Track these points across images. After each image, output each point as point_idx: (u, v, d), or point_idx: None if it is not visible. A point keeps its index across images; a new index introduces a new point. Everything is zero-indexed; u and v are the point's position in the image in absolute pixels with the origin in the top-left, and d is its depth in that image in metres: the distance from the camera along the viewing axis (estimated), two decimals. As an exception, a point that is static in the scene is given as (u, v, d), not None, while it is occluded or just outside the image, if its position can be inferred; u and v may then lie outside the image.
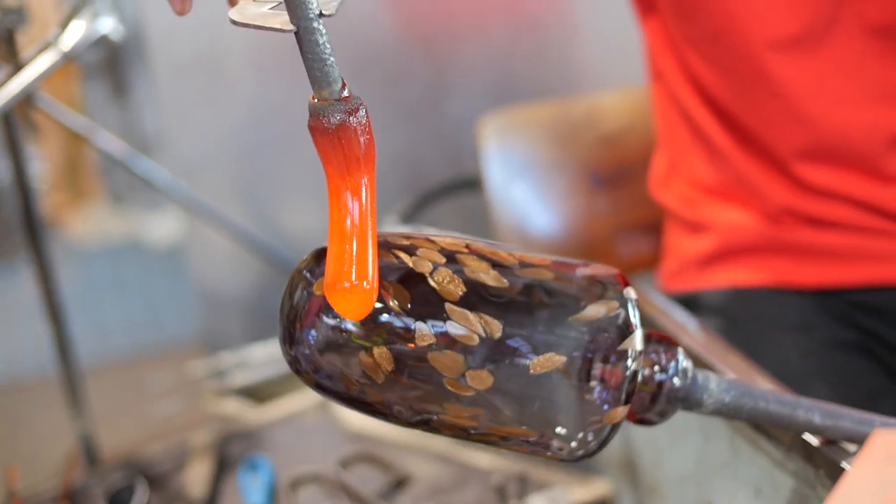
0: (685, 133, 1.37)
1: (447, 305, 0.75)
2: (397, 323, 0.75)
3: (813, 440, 0.87)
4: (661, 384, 0.81)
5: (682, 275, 1.39)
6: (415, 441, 1.39)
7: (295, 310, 0.78)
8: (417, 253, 0.77)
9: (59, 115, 1.49)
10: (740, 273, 1.33)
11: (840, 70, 1.20)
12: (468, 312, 0.75)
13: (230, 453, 1.46)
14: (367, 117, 0.74)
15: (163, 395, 1.95)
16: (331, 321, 0.76)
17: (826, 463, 0.85)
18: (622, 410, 0.77)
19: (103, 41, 1.32)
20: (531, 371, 0.75)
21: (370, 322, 0.76)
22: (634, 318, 0.77)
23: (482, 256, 0.78)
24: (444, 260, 0.77)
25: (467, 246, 0.79)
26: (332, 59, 0.72)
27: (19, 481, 1.33)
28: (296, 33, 0.71)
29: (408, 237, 0.80)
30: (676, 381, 0.81)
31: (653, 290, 1.44)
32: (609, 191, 1.66)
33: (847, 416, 0.83)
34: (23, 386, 3.24)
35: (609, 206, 1.66)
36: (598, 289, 0.78)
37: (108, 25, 1.32)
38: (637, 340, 0.77)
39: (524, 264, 0.78)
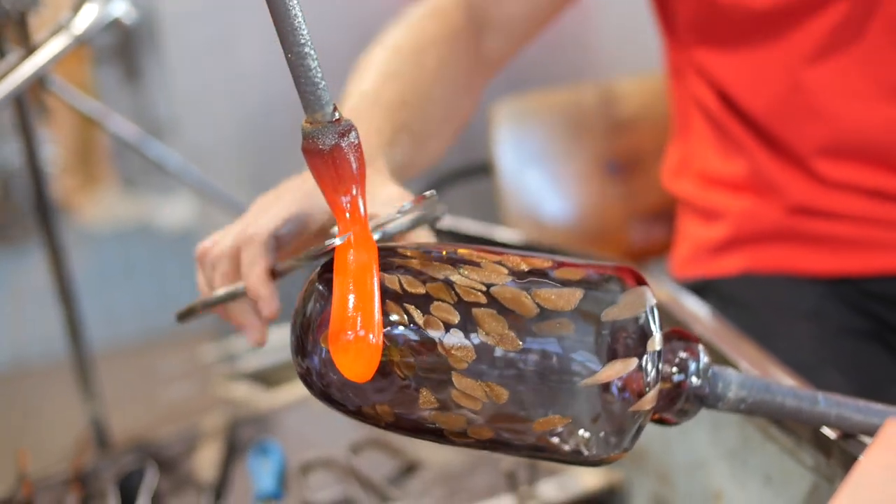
0: (702, 128, 1.36)
1: (453, 374, 0.74)
2: (402, 383, 0.75)
3: (829, 432, 0.86)
4: (680, 384, 0.80)
5: (695, 261, 1.38)
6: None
7: (308, 321, 0.77)
8: (431, 310, 0.74)
9: (72, 98, 1.49)
10: (753, 260, 1.32)
11: (863, 66, 1.19)
12: (474, 382, 0.74)
13: (240, 437, 1.46)
14: (359, 138, 0.75)
15: (173, 380, 1.96)
16: None
17: (838, 452, 0.85)
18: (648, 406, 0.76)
19: (116, 25, 1.32)
20: (533, 429, 0.75)
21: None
22: (654, 321, 0.75)
23: (501, 309, 0.74)
24: (457, 319, 0.74)
25: (488, 291, 0.75)
26: (323, 82, 0.73)
27: (30, 464, 1.33)
28: (287, 59, 0.72)
29: (423, 268, 0.77)
30: (696, 380, 0.80)
31: (665, 277, 1.43)
32: (622, 177, 1.65)
33: (865, 409, 0.82)
34: (32, 370, 3.25)
35: (622, 192, 1.65)
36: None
37: (120, 9, 1.32)
38: (656, 342, 0.75)
39: (544, 313, 0.74)
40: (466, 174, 1.80)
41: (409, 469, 1.32)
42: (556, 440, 0.75)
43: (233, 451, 1.43)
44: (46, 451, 1.65)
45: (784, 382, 0.92)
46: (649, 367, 0.74)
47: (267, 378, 1.62)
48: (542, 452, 0.76)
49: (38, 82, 1.39)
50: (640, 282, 0.77)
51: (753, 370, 0.96)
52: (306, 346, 0.77)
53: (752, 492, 1.01)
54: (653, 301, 0.76)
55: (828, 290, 1.28)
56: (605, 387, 0.73)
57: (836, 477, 0.86)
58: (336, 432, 1.41)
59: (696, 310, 1.08)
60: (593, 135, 1.66)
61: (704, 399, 0.81)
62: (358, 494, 1.27)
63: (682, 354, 0.80)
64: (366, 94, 1.05)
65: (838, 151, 1.23)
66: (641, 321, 0.74)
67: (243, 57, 2.12)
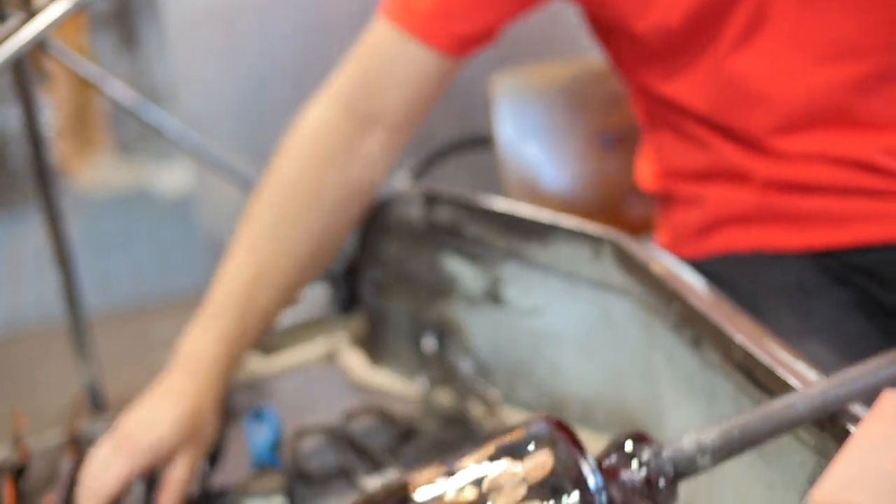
0: (662, 133, 1.39)
1: None
2: None
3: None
4: (644, 484, 0.81)
5: (677, 246, 1.39)
6: (421, 395, 1.40)
7: None
8: None
9: (71, 62, 1.49)
10: (733, 240, 1.34)
11: (784, 41, 1.22)
12: None
13: (236, 403, 1.47)
14: None
15: (169, 345, 1.96)
16: None
17: (832, 426, 0.86)
18: None
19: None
20: None
21: None
22: (584, 461, 0.79)
23: None
24: None
25: None
26: None
27: (25, 427, 1.34)
28: None
29: None
30: (654, 476, 0.81)
31: (663, 251, 1.44)
32: (620, 151, 1.66)
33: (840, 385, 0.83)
34: (28, 334, 3.25)
35: (620, 166, 1.66)
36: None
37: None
38: (587, 469, 0.79)
39: None
40: (465, 146, 1.81)
41: (404, 437, 1.33)
42: None
43: (228, 416, 1.43)
44: (41, 415, 1.66)
45: (779, 357, 0.93)
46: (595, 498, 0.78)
47: (263, 344, 1.63)
48: None
49: (38, 47, 1.39)
50: (561, 428, 0.82)
51: (749, 344, 0.96)
52: None
53: (744, 464, 1.01)
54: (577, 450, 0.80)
55: (809, 263, 1.29)
56: None
57: (829, 450, 0.87)
58: (331, 399, 1.42)
59: (693, 283, 1.08)
60: (592, 108, 1.66)
61: (677, 481, 0.82)
62: (352, 461, 1.28)
63: (637, 459, 0.82)
64: (227, 291, 1.26)
65: (791, 127, 1.25)
66: (571, 468, 0.79)
67: (242, 23, 2.12)
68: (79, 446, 1.37)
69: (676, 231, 1.40)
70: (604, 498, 0.78)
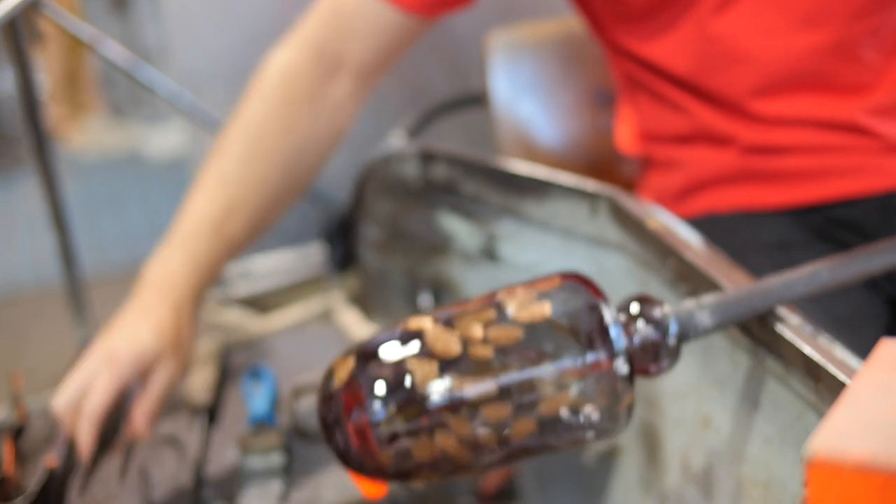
0: (640, 98, 1.39)
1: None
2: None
3: (820, 358, 0.87)
4: (654, 342, 0.85)
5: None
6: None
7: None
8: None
9: (65, 22, 1.48)
10: (714, 202, 1.34)
11: (767, 4, 1.23)
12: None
13: (233, 362, 1.47)
14: None
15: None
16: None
17: (827, 378, 0.86)
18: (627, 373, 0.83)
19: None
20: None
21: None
22: (605, 306, 0.83)
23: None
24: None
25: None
26: None
27: (23, 388, 1.34)
28: None
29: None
30: (664, 333, 0.86)
31: (658, 207, 1.44)
32: (614, 108, 1.66)
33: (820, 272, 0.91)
34: (23, 297, 3.25)
35: (614, 123, 1.65)
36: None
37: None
38: (607, 313, 0.82)
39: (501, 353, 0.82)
40: (460, 105, 1.80)
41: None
42: (567, 441, 0.83)
43: (225, 376, 1.44)
44: (38, 376, 1.66)
45: (773, 310, 0.94)
46: (616, 342, 0.82)
47: (259, 303, 1.63)
48: (563, 442, 0.84)
49: (32, 6, 1.38)
50: (584, 281, 0.85)
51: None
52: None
53: (740, 418, 1.02)
54: (597, 297, 0.84)
55: (791, 220, 1.30)
56: (582, 372, 0.81)
57: (824, 403, 0.87)
58: (328, 357, 1.42)
59: (689, 238, 1.08)
60: (587, 66, 1.66)
61: (679, 344, 0.87)
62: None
63: (646, 316, 0.86)
64: (197, 219, 1.25)
65: (769, 89, 1.26)
66: (595, 308, 0.83)
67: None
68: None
69: (657, 193, 1.41)
70: (622, 344, 0.82)
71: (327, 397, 0.84)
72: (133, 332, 1.15)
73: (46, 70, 4.33)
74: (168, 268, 1.21)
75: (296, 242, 1.84)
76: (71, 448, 1.23)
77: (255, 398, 1.34)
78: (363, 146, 1.54)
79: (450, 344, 0.82)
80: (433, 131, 1.77)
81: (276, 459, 1.24)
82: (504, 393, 0.80)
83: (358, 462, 0.83)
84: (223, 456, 1.28)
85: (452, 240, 1.35)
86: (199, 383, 1.39)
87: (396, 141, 1.51)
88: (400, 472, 0.83)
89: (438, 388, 0.80)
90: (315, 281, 1.63)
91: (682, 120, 1.34)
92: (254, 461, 1.23)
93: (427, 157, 1.33)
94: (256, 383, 1.38)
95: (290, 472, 1.24)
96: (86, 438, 1.11)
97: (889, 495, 0.46)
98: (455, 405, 0.80)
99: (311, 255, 1.78)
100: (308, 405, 1.35)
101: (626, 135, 1.47)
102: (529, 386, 0.80)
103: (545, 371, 0.80)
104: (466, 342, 0.82)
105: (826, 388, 0.86)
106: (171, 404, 1.39)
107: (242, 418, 1.34)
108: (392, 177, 1.38)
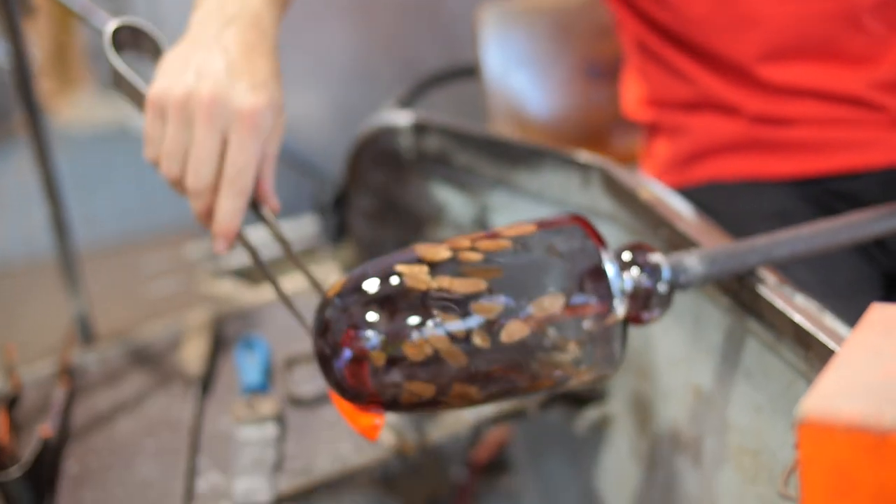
0: (646, 64, 1.39)
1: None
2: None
3: (810, 326, 0.88)
4: (646, 289, 0.86)
5: (661, 175, 1.40)
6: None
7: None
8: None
9: (57, -7, 1.48)
10: (717, 170, 1.35)
11: None
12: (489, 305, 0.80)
13: (226, 332, 1.48)
14: None
15: (158, 277, 1.97)
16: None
17: (817, 346, 0.87)
18: (622, 317, 0.83)
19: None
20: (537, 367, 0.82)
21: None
22: (604, 250, 0.84)
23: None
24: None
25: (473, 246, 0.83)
26: None
27: (16, 359, 1.34)
28: None
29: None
30: (656, 280, 0.86)
31: (650, 179, 1.45)
32: (606, 81, 1.66)
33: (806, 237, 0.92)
34: (14, 270, 3.24)
35: (605, 96, 1.66)
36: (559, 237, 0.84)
37: None
38: (605, 259, 0.83)
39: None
40: (451, 76, 1.80)
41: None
42: (558, 372, 0.83)
43: (219, 346, 1.45)
44: (29, 349, 1.66)
45: (765, 279, 0.94)
46: (612, 284, 0.82)
47: (251, 276, 1.64)
48: (550, 384, 0.84)
49: (24, -24, 1.38)
50: (585, 225, 0.86)
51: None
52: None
53: (730, 386, 1.02)
54: (595, 240, 0.84)
55: (792, 191, 1.30)
56: (574, 310, 0.81)
57: (814, 371, 0.88)
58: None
59: (680, 209, 1.09)
60: (579, 38, 1.66)
61: (671, 293, 0.88)
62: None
63: (640, 262, 0.87)
64: None
65: (779, 55, 1.26)
66: (592, 250, 0.83)
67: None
68: (71, 377, 1.38)
69: (661, 160, 1.41)
70: (619, 286, 0.83)
71: (322, 307, 0.84)
72: (254, 78, 0.91)
73: (36, 44, 4.32)
74: (248, 5, 0.95)
75: (289, 215, 1.84)
76: (66, 417, 1.24)
77: (248, 368, 1.35)
78: (355, 119, 1.53)
79: (439, 251, 0.82)
80: (425, 104, 1.77)
81: (269, 429, 1.24)
82: (493, 289, 0.80)
83: (351, 375, 0.82)
84: (217, 426, 1.28)
85: (445, 211, 1.36)
86: (193, 354, 1.39)
87: (389, 114, 1.52)
88: (392, 384, 0.82)
89: (428, 286, 0.80)
90: (309, 252, 1.63)
91: (690, 87, 1.34)
92: (248, 430, 1.24)
93: (420, 129, 1.33)
94: (250, 353, 1.38)
95: (284, 441, 1.25)
96: (236, 218, 0.89)
97: (880, 455, 0.47)
98: (445, 304, 0.80)
99: (304, 227, 1.78)
100: (301, 374, 1.36)
101: (632, 101, 1.46)
102: (519, 284, 0.81)
103: (535, 267, 0.82)
104: (455, 250, 0.82)
105: (816, 355, 0.87)
106: (165, 375, 1.39)
107: (236, 388, 1.34)
108: (385, 148, 1.38)
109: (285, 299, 0.93)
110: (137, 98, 0.93)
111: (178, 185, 0.91)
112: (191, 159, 0.88)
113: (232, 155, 0.88)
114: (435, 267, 0.81)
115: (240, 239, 0.92)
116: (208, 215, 0.91)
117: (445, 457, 1.87)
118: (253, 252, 0.94)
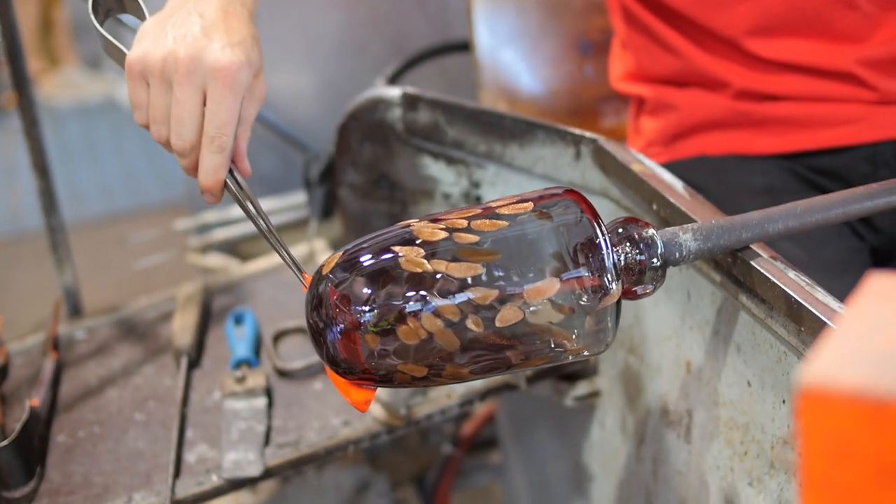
0: (635, 38, 1.39)
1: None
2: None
3: (803, 300, 0.88)
4: (639, 262, 0.86)
5: (648, 149, 1.40)
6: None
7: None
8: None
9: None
10: (705, 145, 1.35)
11: None
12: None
13: (215, 306, 1.47)
14: None
15: (146, 252, 1.96)
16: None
17: (809, 320, 0.87)
18: (616, 292, 0.84)
19: None
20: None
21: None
22: (597, 224, 0.84)
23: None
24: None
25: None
26: None
27: (3, 332, 1.34)
28: None
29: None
30: (650, 255, 0.87)
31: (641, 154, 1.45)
32: (596, 58, 1.66)
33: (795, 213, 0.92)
34: (0, 244, 3.24)
35: (596, 73, 1.66)
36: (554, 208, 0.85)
37: None
38: (599, 233, 0.83)
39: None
40: (441, 52, 1.80)
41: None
42: (551, 351, 0.84)
43: (208, 319, 1.44)
44: (16, 323, 1.66)
45: (756, 253, 0.94)
46: (605, 260, 0.83)
47: (239, 251, 1.63)
48: (543, 362, 0.85)
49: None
50: (580, 199, 0.86)
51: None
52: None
53: (721, 361, 1.03)
54: (590, 214, 0.85)
55: (779, 166, 1.31)
56: (571, 284, 0.82)
57: (806, 346, 0.88)
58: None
59: (673, 183, 1.09)
60: (570, 14, 1.66)
61: (664, 267, 0.88)
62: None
63: (634, 237, 0.87)
64: None
65: (769, 29, 1.26)
66: (586, 224, 0.84)
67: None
68: (59, 350, 1.38)
69: (648, 134, 1.41)
70: (612, 259, 0.83)
71: (316, 281, 0.84)
72: (230, 38, 0.94)
73: (20, 22, 4.30)
74: None
75: (278, 190, 1.84)
76: (54, 389, 1.23)
77: (237, 341, 1.34)
78: (344, 95, 1.53)
79: (435, 231, 0.82)
80: (414, 79, 1.76)
81: (259, 401, 1.24)
82: (489, 273, 0.80)
83: (344, 349, 0.82)
84: (206, 399, 1.28)
85: (436, 185, 1.36)
86: (182, 327, 1.39)
87: (379, 88, 1.51)
88: (385, 364, 0.82)
89: (424, 270, 0.80)
90: (298, 226, 1.63)
91: (678, 62, 1.34)
92: (237, 403, 1.24)
93: (411, 103, 1.33)
94: (239, 327, 1.38)
95: (273, 415, 1.25)
96: (219, 173, 0.93)
97: (881, 423, 0.47)
98: (440, 288, 0.80)
99: (294, 201, 1.78)
100: (289, 347, 1.36)
101: (620, 75, 1.46)
102: (515, 268, 0.81)
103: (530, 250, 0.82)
104: (451, 230, 0.82)
105: (808, 330, 0.87)
106: (154, 348, 1.39)
107: (225, 361, 1.34)
108: (375, 122, 1.38)
109: (278, 245, 0.95)
110: (123, 62, 0.97)
111: (169, 146, 0.94)
112: (172, 120, 0.92)
113: (211, 111, 0.92)
114: (431, 248, 0.81)
115: (229, 192, 0.95)
116: (195, 171, 0.94)
117: (433, 433, 1.87)
118: (241, 204, 0.95)
